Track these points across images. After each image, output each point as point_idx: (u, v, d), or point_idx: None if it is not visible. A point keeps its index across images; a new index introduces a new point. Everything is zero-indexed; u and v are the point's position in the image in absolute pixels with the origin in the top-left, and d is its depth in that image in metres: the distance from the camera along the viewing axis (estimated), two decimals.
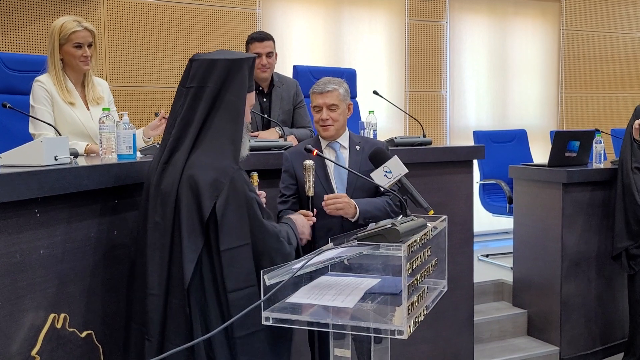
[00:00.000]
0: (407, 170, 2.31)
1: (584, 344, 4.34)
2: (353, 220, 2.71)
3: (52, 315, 1.95)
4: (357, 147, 2.91)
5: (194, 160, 2.04)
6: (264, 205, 2.19)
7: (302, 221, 2.51)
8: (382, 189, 2.50)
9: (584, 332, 4.33)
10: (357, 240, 1.93)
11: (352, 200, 2.70)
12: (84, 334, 2.09)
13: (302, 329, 2.12)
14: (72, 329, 2.04)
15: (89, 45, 3.07)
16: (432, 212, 2.25)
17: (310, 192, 2.67)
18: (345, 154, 2.91)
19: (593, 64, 7.37)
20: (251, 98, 2.23)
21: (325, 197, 2.67)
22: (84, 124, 3.09)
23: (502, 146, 5.92)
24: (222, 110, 2.10)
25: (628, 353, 4.12)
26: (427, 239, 2.05)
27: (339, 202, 2.65)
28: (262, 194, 2.45)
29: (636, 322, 4.02)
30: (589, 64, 7.35)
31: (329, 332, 1.99)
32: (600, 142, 4.52)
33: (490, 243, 6.30)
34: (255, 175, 2.50)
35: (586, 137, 4.42)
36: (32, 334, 1.88)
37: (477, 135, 5.87)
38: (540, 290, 4.41)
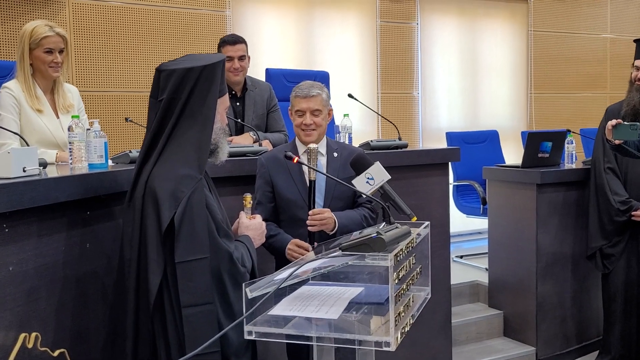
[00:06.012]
0: (390, 177, 2.27)
1: (560, 344, 4.36)
2: (330, 233, 2.70)
3: (22, 335, 1.87)
4: (335, 154, 2.88)
5: (157, 172, 2.02)
6: (227, 223, 2.15)
7: (257, 227, 2.35)
8: (363, 196, 2.46)
9: (559, 332, 4.35)
10: (342, 250, 1.88)
11: (332, 214, 2.69)
12: (56, 353, 2.01)
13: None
14: (44, 348, 1.95)
15: (60, 51, 2.98)
16: (415, 218, 2.21)
17: (312, 176, 2.64)
18: (323, 161, 2.86)
19: (561, 65, 7.44)
20: (225, 101, 2.19)
21: (310, 212, 2.65)
22: (52, 132, 2.99)
23: (475, 147, 5.92)
24: (189, 119, 2.06)
25: (603, 351, 4.15)
26: (412, 247, 2.00)
27: (323, 217, 2.65)
28: (257, 217, 2.39)
29: (610, 321, 4.04)
30: (557, 65, 7.42)
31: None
32: (572, 143, 4.55)
33: (464, 244, 6.30)
34: (248, 196, 2.43)
35: (558, 138, 4.45)
36: (1, 355, 1.79)
37: (450, 136, 5.87)
38: (516, 291, 4.41)
